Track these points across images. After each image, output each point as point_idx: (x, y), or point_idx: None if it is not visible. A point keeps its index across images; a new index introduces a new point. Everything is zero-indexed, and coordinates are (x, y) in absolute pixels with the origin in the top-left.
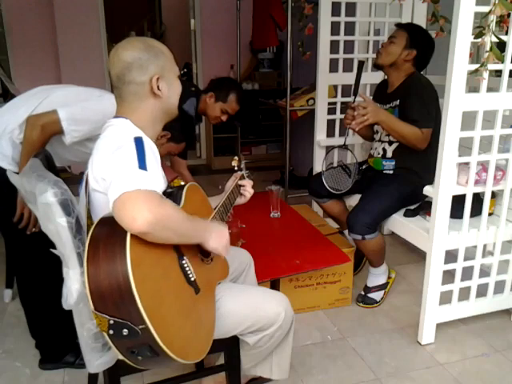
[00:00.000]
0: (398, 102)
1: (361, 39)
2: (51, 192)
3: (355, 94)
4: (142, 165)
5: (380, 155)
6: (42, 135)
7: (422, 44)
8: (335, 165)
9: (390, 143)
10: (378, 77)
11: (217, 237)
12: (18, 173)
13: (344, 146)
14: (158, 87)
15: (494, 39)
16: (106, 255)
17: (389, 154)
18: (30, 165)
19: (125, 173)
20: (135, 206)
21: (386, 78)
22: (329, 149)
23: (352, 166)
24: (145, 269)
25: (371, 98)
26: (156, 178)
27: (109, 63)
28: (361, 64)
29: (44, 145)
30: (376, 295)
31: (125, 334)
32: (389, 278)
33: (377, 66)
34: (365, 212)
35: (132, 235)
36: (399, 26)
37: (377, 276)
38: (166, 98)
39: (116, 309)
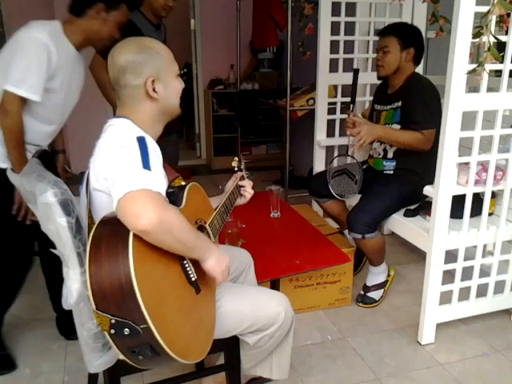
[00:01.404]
0: (399, 104)
1: (361, 39)
2: (51, 192)
3: (353, 103)
4: (146, 165)
5: (381, 156)
6: (13, 117)
7: (414, 39)
8: (340, 171)
9: (391, 144)
10: None
11: (216, 259)
12: (12, 169)
13: (347, 154)
14: (153, 89)
15: (493, 39)
16: (108, 254)
17: (390, 155)
18: (30, 165)
19: (129, 172)
20: (140, 204)
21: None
22: (331, 158)
23: (356, 171)
24: (147, 268)
25: (367, 97)
26: (159, 179)
27: (107, 66)
28: (356, 72)
29: (22, 125)
30: (375, 294)
31: (126, 333)
32: (388, 276)
33: (381, 78)
34: (365, 211)
35: (134, 235)
36: (382, 33)
37: (376, 275)
38: (163, 99)
39: (118, 308)
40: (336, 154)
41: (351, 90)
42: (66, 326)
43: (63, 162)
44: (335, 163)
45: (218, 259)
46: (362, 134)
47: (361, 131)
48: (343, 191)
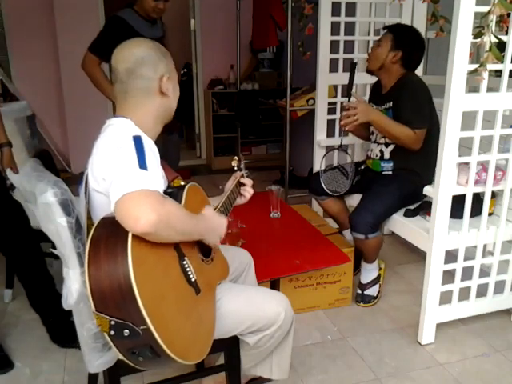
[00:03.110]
0: (391, 104)
1: (361, 39)
2: (51, 192)
3: (348, 96)
4: (143, 164)
5: (378, 157)
6: None
7: (407, 44)
8: (333, 166)
9: (387, 145)
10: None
11: (215, 234)
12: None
13: (340, 148)
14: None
15: (494, 39)
16: (108, 256)
17: (386, 156)
18: (30, 165)
19: (126, 173)
20: (138, 206)
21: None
22: (327, 151)
23: (349, 168)
24: (146, 269)
25: (367, 98)
26: (156, 178)
27: (117, 58)
28: (353, 66)
29: None
30: (372, 290)
31: (126, 334)
32: (379, 269)
33: (369, 72)
34: (367, 211)
35: (133, 235)
36: (385, 28)
37: (370, 271)
38: (170, 98)
39: (117, 309)
40: (334, 155)
41: (347, 84)
42: (59, 335)
43: (9, 156)
44: (334, 160)
45: (217, 232)
46: (358, 110)
47: (358, 107)
48: (334, 186)
